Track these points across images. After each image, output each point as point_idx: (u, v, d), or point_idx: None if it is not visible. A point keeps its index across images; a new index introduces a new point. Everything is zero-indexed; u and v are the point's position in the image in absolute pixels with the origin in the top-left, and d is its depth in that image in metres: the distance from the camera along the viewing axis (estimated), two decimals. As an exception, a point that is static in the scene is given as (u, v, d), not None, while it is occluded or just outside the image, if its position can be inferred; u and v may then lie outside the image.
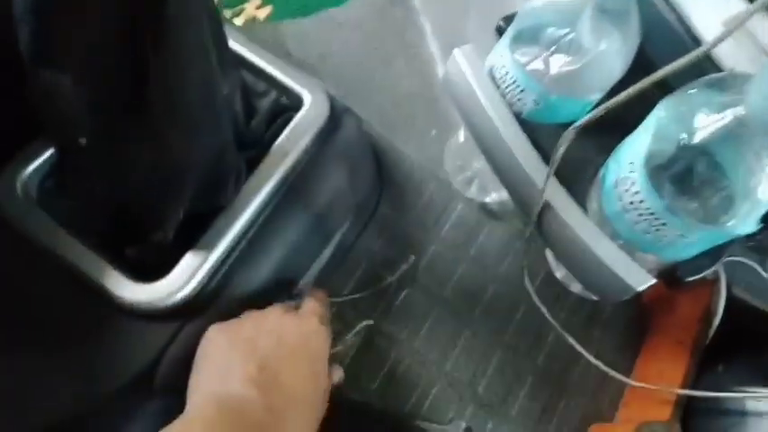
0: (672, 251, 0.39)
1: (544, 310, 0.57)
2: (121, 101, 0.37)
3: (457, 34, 0.76)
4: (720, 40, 0.34)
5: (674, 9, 0.46)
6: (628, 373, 0.64)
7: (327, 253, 0.63)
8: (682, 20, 0.46)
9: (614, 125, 0.40)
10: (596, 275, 0.42)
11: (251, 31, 0.79)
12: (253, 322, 0.44)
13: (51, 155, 0.50)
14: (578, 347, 0.58)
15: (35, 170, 0.50)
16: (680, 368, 0.58)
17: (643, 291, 0.41)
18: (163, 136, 0.40)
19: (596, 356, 0.58)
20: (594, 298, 0.66)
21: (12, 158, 0.50)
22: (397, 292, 0.65)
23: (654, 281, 0.39)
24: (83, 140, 0.41)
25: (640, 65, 0.43)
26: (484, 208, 0.69)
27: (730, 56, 0.44)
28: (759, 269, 0.52)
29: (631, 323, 0.67)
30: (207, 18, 0.38)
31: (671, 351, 0.60)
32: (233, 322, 0.44)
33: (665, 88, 0.37)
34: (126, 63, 0.35)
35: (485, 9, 0.71)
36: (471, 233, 0.68)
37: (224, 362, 0.40)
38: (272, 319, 0.45)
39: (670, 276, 0.41)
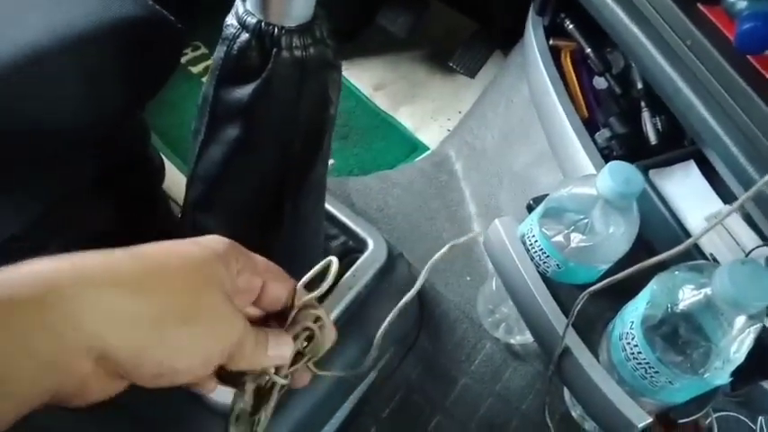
0: (663, 395, 0.49)
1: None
2: (252, 242, 0.50)
3: (491, 199, 0.91)
4: (703, 233, 0.47)
5: (665, 204, 0.60)
6: None
7: (372, 376, 0.73)
8: (672, 212, 0.59)
9: (621, 290, 0.51)
10: (605, 412, 0.51)
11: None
12: None
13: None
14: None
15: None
16: None
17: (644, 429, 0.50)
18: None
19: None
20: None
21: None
22: (429, 417, 0.74)
23: (650, 419, 0.49)
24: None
25: (640, 243, 0.55)
26: (509, 348, 0.79)
27: (710, 244, 0.57)
28: (749, 422, 0.60)
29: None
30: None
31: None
32: None
33: (660, 265, 0.49)
34: (264, 215, 0.49)
35: (514, 183, 0.87)
36: (497, 370, 0.78)
37: None
38: None
39: (665, 418, 0.51)
